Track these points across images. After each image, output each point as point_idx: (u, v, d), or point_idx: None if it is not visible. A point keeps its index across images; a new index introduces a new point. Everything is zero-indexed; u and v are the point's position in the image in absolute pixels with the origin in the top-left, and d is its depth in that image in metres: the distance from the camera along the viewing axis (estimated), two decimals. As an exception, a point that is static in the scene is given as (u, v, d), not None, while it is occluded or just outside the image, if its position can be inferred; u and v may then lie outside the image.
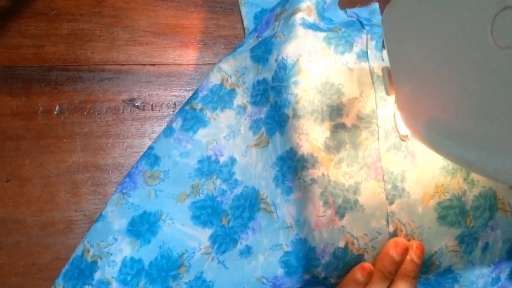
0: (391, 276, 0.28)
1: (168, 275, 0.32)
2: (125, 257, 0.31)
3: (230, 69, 0.35)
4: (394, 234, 0.28)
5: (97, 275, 0.31)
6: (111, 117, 0.37)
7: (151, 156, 0.34)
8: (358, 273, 0.28)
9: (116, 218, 0.33)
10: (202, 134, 0.34)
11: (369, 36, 0.31)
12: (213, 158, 0.33)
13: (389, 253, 0.28)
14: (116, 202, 0.33)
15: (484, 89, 0.17)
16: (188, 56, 0.39)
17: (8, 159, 0.35)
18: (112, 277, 0.31)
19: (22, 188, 0.35)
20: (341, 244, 0.28)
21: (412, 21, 0.20)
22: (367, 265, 0.28)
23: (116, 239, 0.32)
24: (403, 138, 0.30)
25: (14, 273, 0.34)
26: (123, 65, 0.38)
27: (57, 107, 0.36)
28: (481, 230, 0.29)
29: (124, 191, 0.33)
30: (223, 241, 0.32)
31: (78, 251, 0.33)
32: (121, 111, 0.37)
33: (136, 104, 0.37)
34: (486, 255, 0.30)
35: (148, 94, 0.38)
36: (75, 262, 0.33)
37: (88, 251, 0.32)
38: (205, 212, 0.33)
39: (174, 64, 0.39)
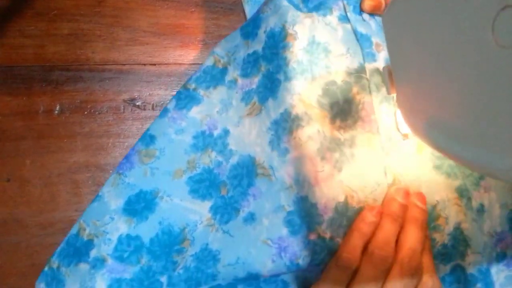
0: (400, 220, 0.27)
1: (171, 250, 0.32)
2: (120, 235, 0.32)
3: (222, 50, 0.36)
4: (392, 186, 0.29)
5: (93, 253, 0.31)
6: (111, 117, 0.37)
7: (146, 137, 0.34)
8: (368, 214, 0.28)
9: (113, 198, 0.33)
10: (196, 111, 0.35)
11: (345, 2, 0.32)
12: (207, 132, 0.34)
13: (394, 197, 0.28)
14: (112, 182, 0.33)
15: (485, 88, 0.17)
16: (189, 56, 0.39)
17: (9, 159, 0.35)
18: (108, 254, 0.31)
19: (22, 188, 0.35)
20: (341, 198, 0.29)
21: (413, 20, 0.20)
22: (376, 205, 0.28)
23: (112, 218, 0.32)
24: (404, 137, 0.30)
25: (14, 273, 0.34)
26: (124, 65, 0.38)
27: (57, 107, 0.36)
28: (472, 189, 0.30)
29: (121, 171, 0.33)
30: (225, 211, 0.32)
31: (74, 230, 0.33)
32: (122, 110, 0.37)
33: (137, 103, 0.37)
34: (485, 219, 0.30)
35: (149, 94, 0.38)
36: (70, 240, 0.33)
37: (84, 229, 0.32)
38: (203, 185, 0.33)
39: (174, 64, 0.39)
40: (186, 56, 0.39)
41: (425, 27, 0.20)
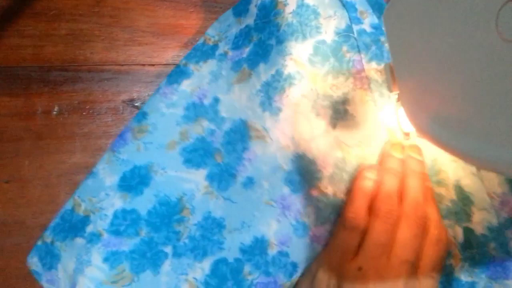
0: (399, 174, 0.27)
1: (171, 220, 0.31)
2: (116, 210, 0.32)
3: (214, 31, 0.37)
4: (387, 140, 0.30)
5: (89, 228, 0.31)
6: (110, 118, 0.37)
7: (139, 114, 0.35)
8: (366, 173, 0.28)
9: (108, 175, 0.33)
10: (186, 84, 0.35)
11: None
12: (197, 102, 0.34)
13: (390, 153, 0.28)
14: (107, 160, 0.33)
15: (490, 83, 0.17)
16: (188, 55, 0.39)
17: (8, 160, 0.35)
18: (104, 229, 0.31)
19: (22, 189, 0.35)
20: (339, 154, 0.29)
21: (416, 16, 0.20)
22: (373, 164, 0.29)
23: (108, 195, 0.32)
24: (405, 137, 0.30)
25: (15, 275, 0.34)
26: (122, 65, 0.38)
27: (56, 108, 0.36)
28: None
29: (114, 149, 0.33)
30: (222, 178, 0.32)
31: (68, 206, 0.33)
32: (121, 111, 0.37)
33: (136, 104, 0.37)
34: (483, 176, 0.30)
35: (148, 95, 0.37)
36: (65, 216, 0.32)
37: (80, 205, 0.32)
38: (197, 154, 0.33)
39: (173, 64, 0.38)
40: (186, 55, 0.39)
41: (427, 22, 0.19)
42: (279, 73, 0.31)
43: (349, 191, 0.29)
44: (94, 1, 0.38)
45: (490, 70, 0.17)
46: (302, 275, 0.29)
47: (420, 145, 0.29)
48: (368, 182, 0.27)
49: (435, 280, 0.26)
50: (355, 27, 0.32)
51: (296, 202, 0.29)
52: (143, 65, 0.38)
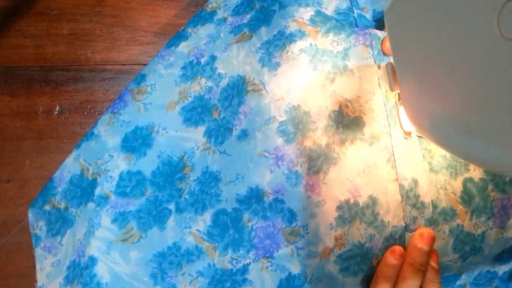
0: (423, 268, 0.28)
1: (174, 179, 0.32)
2: (121, 172, 0.32)
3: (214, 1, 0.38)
4: (386, 96, 0.30)
5: (97, 191, 0.32)
6: (112, 117, 0.37)
7: (138, 77, 0.35)
8: (390, 258, 0.28)
9: (110, 137, 0.33)
10: (183, 46, 0.36)
11: None
12: (194, 61, 0.35)
13: (416, 245, 0.28)
14: (108, 122, 0.34)
15: (491, 81, 0.17)
16: (189, 55, 0.39)
17: (9, 159, 0.35)
18: (111, 191, 0.32)
19: (22, 189, 0.35)
20: (335, 107, 0.30)
21: (417, 15, 0.20)
22: (397, 248, 0.29)
23: (112, 156, 0.33)
24: (406, 136, 0.30)
25: (15, 275, 0.33)
26: (124, 65, 0.38)
27: (57, 107, 0.36)
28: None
29: (115, 110, 0.34)
30: (218, 133, 0.32)
31: (75, 170, 0.33)
32: (122, 111, 0.37)
33: (137, 104, 0.37)
34: None
35: (149, 94, 0.37)
36: (74, 181, 0.33)
37: (87, 169, 0.33)
38: (195, 112, 0.34)
39: (175, 63, 0.38)
40: (187, 55, 0.39)
41: (429, 22, 0.19)
42: (281, 33, 0.32)
43: (374, 276, 0.29)
44: (96, 1, 0.38)
45: (491, 69, 0.17)
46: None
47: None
48: (390, 267, 0.28)
49: None
50: (356, 11, 0.33)
51: (289, 152, 0.30)
52: (145, 64, 0.38)
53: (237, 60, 0.33)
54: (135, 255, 0.31)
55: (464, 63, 0.18)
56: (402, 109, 0.28)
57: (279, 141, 0.30)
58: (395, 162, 0.29)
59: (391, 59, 0.30)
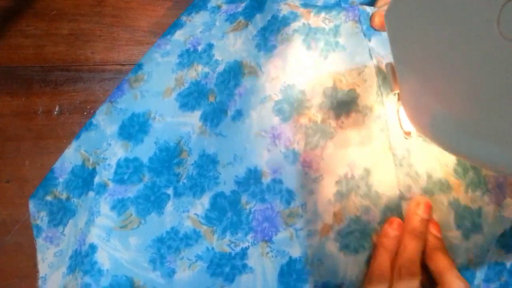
0: (423, 235, 0.28)
1: (171, 164, 0.33)
2: (119, 159, 0.33)
3: None
4: (377, 66, 0.31)
5: (96, 180, 0.32)
6: (111, 117, 0.37)
7: (135, 66, 0.35)
8: (387, 228, 0.29)
9: (108, 125, 0.34)
10: (179, 34, 0.36)
11: None
12: (191, 49, 0.35)
13: (415, 212, 0.28)
14: (105, 111, 0.34)
15: (491, 82, 0.17)
16: (189, 55, 0.39)
17: (8, 160, 0.35)
18: (109, 179, 0.32)
19: (22, 189, 0.35)
20: (330, 84, 0.31)
21: (417, 16, 0.20)
22: (395, 218, 0.29)
23: (109, 144, 0.33)
24: (406, 136, 0.30)
25: (15, 274, 0.33)
26: (124, 65, 0.38)
27: (57, 108, 0.36)
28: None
29: (112, 99, 0.34)
30: (214, 115, 0.33)
31: (77, 161, 0.34)
32: (122, 111, 0.37)
33: (137, 104, 0.37)
34: None
35: (149, 94, 0.37)
36: (76, 172, 0.33)
37: (88, 160, 0.33)
38: (192, 97, 0.34)
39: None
40: (187, 55, 0.39)
41: (429, 22, 0.19)
42: (274, 17, 0.33)
43: (374, 248, 0.29)
44: (96, 1, 0.38)
45: (491, 70, 0.17)
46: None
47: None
48: (391, 239, 0.28)
49: None
50: (344, 5, 0.34)
51: (286, 130, 0.30)
52: (144, 65, 0.38)
53: (234, 48, 0.34)
54: (134, 241, 0.31)
55: (464, 63, 0.18)
56: (402, 109, 0.28)
57: (276, 120, 0.30)
58: (389, 131, 0.30)
59: (379, 33, 0.31)
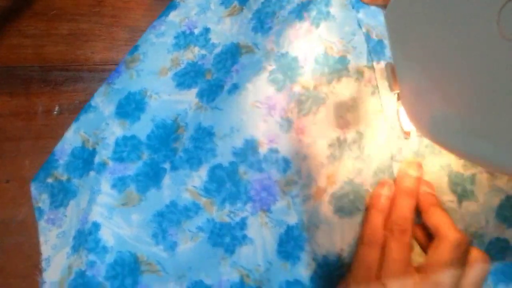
0: (415, 194, 0.28)
1: (169, 140, 0.33)
2: (117, 138, 0.33)
3: None
4: (368, 36, 0.32)
5: (96, 159, 0.33)
6: (111, 117, 0.37)
7: (132, 48, 0.36)
8: (379, 188, 0.29)
9: (106, 106, 0.34)
10: (173, 15, 0.36)
11: None
12: (187, 31, 0.35)
13: (406, 172, 0.29)
14: (104, 92, 0.35)
15: (491, 82, 0.17)
16: (189, 55, 0.39)
17: (8, 159, 0.35)
18: (108, 158, 0.33)
19: (22, 189, 0.35)
20: (321, 50, 0.31)
21: (417, 15, 0.20)
22: (386, 180, 0.29)
23: (107, 124, 0.34)
24: (406, 136, 0.30)
25: (15, 275, 0.33)
26: (123, 65, 0.38)
27: (56, 108, 0.36)
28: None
29: (110, 81, 0.35)
30: (210, 91, 0.33)
31: (76, 142, 0.34)
32: (122, 111, 0.37)
33: (137, 103, 0.37)
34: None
35: (149, 94, 0.37)
36: (76, 153, 0.34)
37: (88, 141, 0.34)
38: (188, 76, 0.34)
39: (174, 63, 0.38)
40: (186, 55, 0.39)
41: (429, 21, 0.19)
42: (268, 0, 0.34)
43: (365, 210, 0.29)
44: (95, 1, 0.38)
45: (491, 69, 0.17)
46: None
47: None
48: (382, 200, 0.29)
49: None
50: None
51: (281, 100, 0.31)
52: (144, 64, 0.38)
53: (231, 32, 0.35)
54: (136, 217, 0.31)
55: (464, 63, 0.18)
56: (402, 109, 0.28)
57: (270, 90, 0.31)
58: (380, 94, 0.30)
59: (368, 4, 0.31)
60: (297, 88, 0.31)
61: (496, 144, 0.17)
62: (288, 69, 0.31)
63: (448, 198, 0.29)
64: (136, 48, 0.36)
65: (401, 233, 0.27)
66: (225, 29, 0.35)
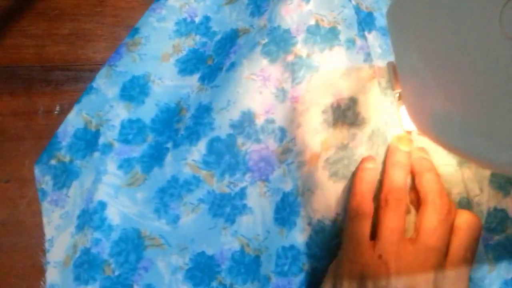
0: (407, 167, 0.28)
1: (172, 122, 0.34)
2: (122, 120, 0.34)
3: None
4: (358, 8, 0.33)
5: (101, 140, 0.33)
6: (112, 117, 0.37)
7: (132, 31, 0.36)
8: (364, 163, 0.29)
9: (109, 88, 0.35)
10: (173, 0, 0.37)
11: None
12: (188, 19, 0.36)
13: (396, 147, 0.29)
14: (106, 74, 0.35)
15: (493, 81, 0.17)
16: (190, 55, 0.39)
17: (8, 159, 0.35)
18: (114, 139, 0.33)
19: (22, 189, 0.35)
20: (312, 22, 0.33)
21: (419, 14, 0.20)
22: (370, 155, 0.30)
23: (112, 106, 0.34)
24: (407, 135, 0.30)
25: (14, 275, 0.33)
26: (125, 65, 0.38)
27: (58, 107, 0.36)
28: None
29: (111, 63, 0.35)
30: (211, 73, 0.34)
31: (78, 124, 0.34)
32: (123, 111, 0.37)
33: (138, 104, 0.37)
34: None
35: (150, 94, 0.37)
36: (78, 135, 0.34)
37: (91, 122, 0.34)
38: (190, 63, 0.36)
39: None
40: (187, 56, 0.39)
41: (431, 21, 0.19)
42: None
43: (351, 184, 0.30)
44: (97, 0, 0.38)
45: (493, 69, 0.17)
46: (325, 278, 0.29)
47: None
48: (368, 171, 0.29)
49: (467, 266, 0.25)
50: None
51: (275, 71, 0.32)
52: (145, 65, 0.38)
53: (230, 19, 0.36)
54: (141, 195, 0.32)
55: (466, 62, 0.18)
56: (403, 108, 0.28)
57: (264, 62, 0.32)
58: (372, 61, 0.31)
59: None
60: (290, 58, 0.32)
61: (497, 143, 0.17)
62: (281, 40, 0.32)
63: (448, 162, 0.30)
64: (136, 30, 0.36)
65: (396, 202, 0.27)
66: (225, 16, 0.36)
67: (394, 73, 0.25)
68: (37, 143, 0.35)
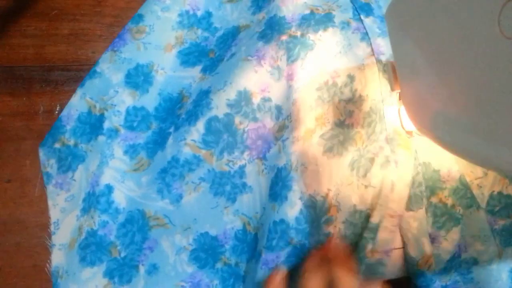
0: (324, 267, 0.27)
1: (174, 109, 0.35)
2: (128, 107, 0.35)
3: None
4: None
5: (106, 125, 0.34)
6: (112, 117, 0.37)
7: (135, 16, 0.37)
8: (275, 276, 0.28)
9: (113, 73, 0.35)
10: None
11: None
12: (191, 12, 0.37)
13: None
14: (109, 59, 0.36)
15: (492, 80, 0.17)
16: (190, 55, 0.39)
17: (9, 159, 0.35)
18: (120, 125, 0.34)
19: (22, 188, 0.35)
20: (307, 11, 0.33)
21: (418, 15, 0.20)
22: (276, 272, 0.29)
23: (117, 92, 0.35)
24: (408, 135, 0.30)
25: (15, 274, 0.33)
26: (124, 65, 0.38)
27: (58, 107, 0.36)
28: None
29: (115, 48, 0.36)
30: (213, 64, 0.35)
31: (82, 108, 0.35)
32: (123, 110, 0.37)
33: (138, 103, 0.37)
34: None
35: (150, 94, 0.37)
36: (82, 119, 0.35)
37: (95, 106, 0.35)
38: (192, 55, 0.37)
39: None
40: (187, 55, 0.39)
41: (430, 21, 0.19)
42: None
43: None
44: (96, 1, 0.38)
45: (492, 68, 0.17)
46: None
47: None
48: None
49: None
50: None
51: (270, 50, 0.33)
52: (145, 65, 0.38)
53: (232, 17, 0.37)
54: (145, 179, 0.34)
55: (465, 62, 0.18)
56: (402, 109, 0.28)
57: (259, 44, 0.33)
58: (370, 40, 0.32)
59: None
60: (285, 37, 0.32)
61: (496, 143, 0.17)
62: (276, 25, 0.33)
63: None
64: (140, 17, 0.36)
65: None
66: (226, 14, 0.37)
67: (393, 73, 0.25)
68: (37, 143, 0.35)
